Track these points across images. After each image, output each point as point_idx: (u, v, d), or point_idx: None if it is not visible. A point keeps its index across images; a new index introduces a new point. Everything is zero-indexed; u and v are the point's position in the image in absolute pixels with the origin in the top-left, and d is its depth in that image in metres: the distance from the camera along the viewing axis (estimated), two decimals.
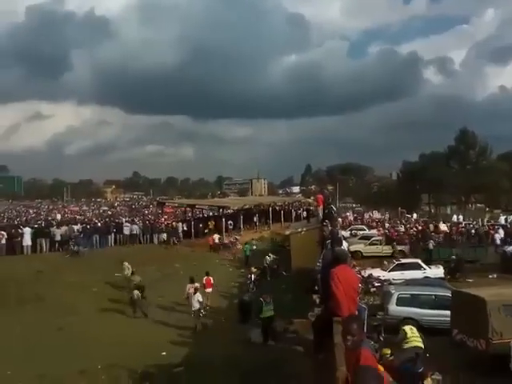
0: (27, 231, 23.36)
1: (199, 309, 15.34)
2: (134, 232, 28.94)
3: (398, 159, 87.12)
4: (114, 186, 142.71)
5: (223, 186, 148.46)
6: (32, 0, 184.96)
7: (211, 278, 18.08)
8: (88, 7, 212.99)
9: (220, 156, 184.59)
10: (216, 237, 29.68)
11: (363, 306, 7.29)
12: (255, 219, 38.14)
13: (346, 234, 28.91)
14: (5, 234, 22.32)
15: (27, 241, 22.56)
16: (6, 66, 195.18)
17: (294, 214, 43.51)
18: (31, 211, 69.13)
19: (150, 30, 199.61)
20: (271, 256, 22.75)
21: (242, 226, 35.67)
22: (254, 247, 28.00)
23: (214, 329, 15.32)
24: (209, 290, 17.59)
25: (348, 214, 50.56)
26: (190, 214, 39.50)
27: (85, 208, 77.35)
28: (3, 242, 21.57)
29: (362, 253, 25.69)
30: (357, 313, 6.67)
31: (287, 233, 29.59)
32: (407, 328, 9.47)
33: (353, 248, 24.69)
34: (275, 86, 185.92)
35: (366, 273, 19.07)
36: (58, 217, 55.02)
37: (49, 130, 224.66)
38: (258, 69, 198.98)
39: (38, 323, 14.52)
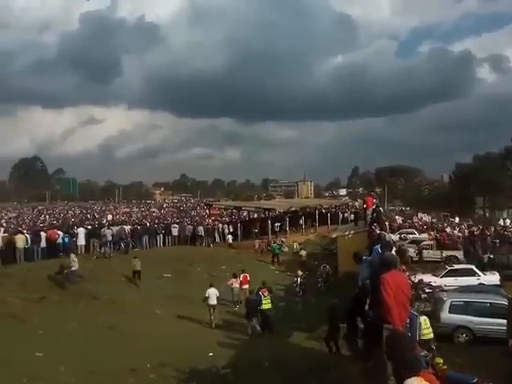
0: (81, 231, 24.29)
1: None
2: (186, 233, 29.62)
3: (449, 161, 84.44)
4: (162, 188, 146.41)
5: (269, 188, 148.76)
6: (85, 7, 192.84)
7: (247, 275, 18.76)
8: (139, 14, 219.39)
9: (266, 158, 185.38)
10: (256, 242, 29.72)
11: (415, 313, 7.03)
12: (301, 222, 37.92)
13: (394, 237, 28.19)
14: (61, 233, 23.28)
15: (81, 240, 23.45)
16: (62, 73, 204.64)
17: (340, 217, 43.00)
18: (85, 212, 71.88)
19: (199, 33, 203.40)
20: (325, 266, 21.89)
21: (288, 229, 35.56)
22: (301, 250, 27.77)
23: (263, 333, 15.26)
24: (245, 286, 18.22)
25: (397, 217, 49.27)
26: (236, 216, 39.86)
27: (135, 209, 79.58)
28: (60, 241, 22.49)
29: (411, 257, 24.95)
30: (408, 320, 6.50)
31: (334, 236, 29.23)
32: (422, 319, 8.70)
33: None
34: (321, 88, 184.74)
35: (417, 278, 18.48)
36: (110, 217, 57.01)
37: (101, 134, 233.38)
38: (304, 70, 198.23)
39: (90, 320, 15.03)
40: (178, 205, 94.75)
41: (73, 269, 18.20)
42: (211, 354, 12.83)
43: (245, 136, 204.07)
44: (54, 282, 17.75)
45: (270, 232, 32.52)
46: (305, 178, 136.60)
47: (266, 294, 15.15)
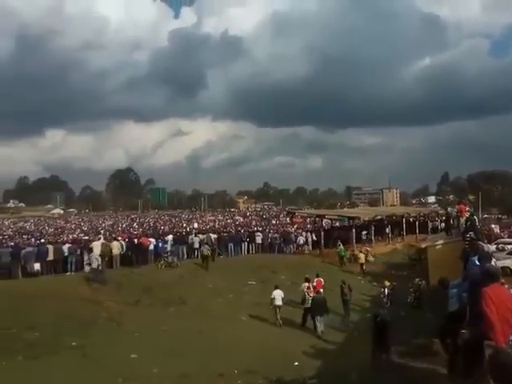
0: (170, 238, 25.44)
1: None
2: (269, 241, 29.90)
3: None
4: (246, 197, 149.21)
5: (352, 195, 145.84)
6: (174, 25, 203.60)
7: (322, 280, 19.22)
8: (223, 28, 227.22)
9: (349, 165, 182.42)
10: (341, 248, 29.17)
11: None
12: (387, 230, 36.63)
13: (491, 248, 26.28)
14: (153, 240, 24.54)
15: (169, 248, 24.55)
16: (152, 89, 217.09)
17: (430, 226, 40.94)
18: (173, 220, 75.21)
19: (281, 43, 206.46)
20: (420, 281, 20.44)
21: (373, 238, 34.54)
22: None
23: (346, 344, 14.95)
24: (321, 290, 18.09)
25: (493, 226, 45.87)
26: (319, 224, 39.46)
27: (220, 217, 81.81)
28: (151, 247, 23.71)
29: (511, 269, 23.07)
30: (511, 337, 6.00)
31: (423, 245, 27.89)
32: None
33: (500, 264, 22.29)
34: (407, 92, 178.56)
35: None
36: (196, 225, 59.10)
37: (188, 146, 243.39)
38: (388, 74, 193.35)
39: (179, 325, 15.64)
40: (261, 213, 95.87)
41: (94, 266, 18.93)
42: (297, 363, 12.75)
43: (327, 143, 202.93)
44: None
45: (354, 241, 31.78)
46: (390, 185, 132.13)
47: (311, 294, 16.84)
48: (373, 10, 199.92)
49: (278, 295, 16.89)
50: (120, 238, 25.53)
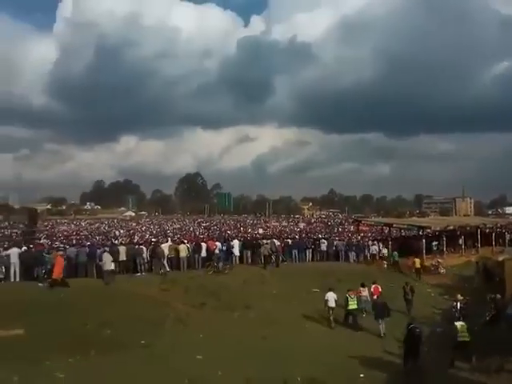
0: (236, 243, 25.75)
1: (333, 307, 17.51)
2: (334, 248, 29.48)
3: None
4: (310, 203, 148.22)
5: (422, 204, 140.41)
6: (243, 33, 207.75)
7: (379, 287, 19.81)
8: (291, 35, 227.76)
9: (419, 173, 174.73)
10: (417, 261, 27.97)
11: None
12: (460, 242, 34.78)
13: None
14: (219, 244, 24.96)
15: (236, 252, 24.86)
16: (221, 96, 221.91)
17: (508, 238, 38.43)
18: (238, 225, 76.23)
19: (349, 49, 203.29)
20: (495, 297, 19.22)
21: (444, 249, 32.94)
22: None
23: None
24: (375, 296, 19.38)
25: None
26: (386, 233, 38.31)
27: (284, 224, 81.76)
28: (217, 251, 24.10)
29: None
30: None
31: (501, 259, 26.24)
32: (458, 324, 13.78)
33: None
34: (482, 97, 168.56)
35: None
36: (261, 231, 59.45)
37: (254, 151, 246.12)
38: (463, 78, 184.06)
39: (244, 329, 15.76)
40: (326, 220, 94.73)
41: (106, 268, 19.19)
42: (362, 375, 12.42)
43: (396, 150, 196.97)
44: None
45: (424, 251, 30.48)
46: (464, 194, 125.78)
47: (352, 296, 17.64)
48: (445, 11, 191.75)
49: (331, 297, 17.59)
50: (186, 241, 26.21)
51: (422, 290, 23.64)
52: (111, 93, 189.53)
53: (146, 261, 21.62)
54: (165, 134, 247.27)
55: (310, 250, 28.87)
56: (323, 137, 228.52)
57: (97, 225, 76.69)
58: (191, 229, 67.19)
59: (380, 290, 19.81)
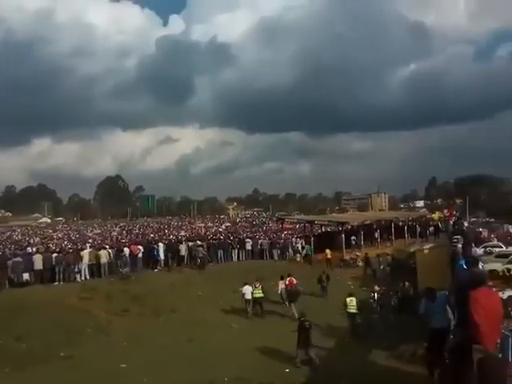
0: (160, 246, 25.29)
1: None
2: (259, 247, 29.91)
3: None
4: (235, 203, 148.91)
5: (341, 201, 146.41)
6: (162, 32, 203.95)
7: (294, 279, 20.02)
8: (211, 35, 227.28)
9: (338, 171, 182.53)
10: (328, 252, 29.36)
11: (507, 333, 6.51)
12: (376, 235, 36.80)
13: (479, 251, 26.49)
14: (142, 248, 24.36)
15: (161, 255, 24.41)
16: (141, 95, 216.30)
17: (418, 230, 41.21)
18: (162, 227, 74.79)
19: (269, 50, 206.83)
20: (404, 283, 20.98)
21: (362, 243, 34.66)
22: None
23: (340, 350, 14.93)
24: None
25: (481, 229, 46.30)
26: (308, 230, 39.54)
27: (210, 224, 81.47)
28: (140, 255, 23.54)
29: (499, 272, 23.26)
30: (499, 341, 6.03)
31: (412, 250, 28.05)
32: (348, 299, 16.70)
33: (488, 267, 22.48)
34: (394, 97, 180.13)
35: (506, 295, 17.15)
36: (182, 233, 58.85)
37: (177, 152, 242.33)
38: (376, 80, 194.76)
39: (170, 333, 15.52)
40: (251, 219, 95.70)
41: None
42: (287, 369, 12.70)
43: (316, 149, 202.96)
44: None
45: (343, 246, 31.87)
46: (379, 190, 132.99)
47: (257, 285, 18.72)
48: (360, 18, 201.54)
49: (247, 290, 18.56)
50: (108, 247, 25.33)
51: (342, 282, 24.57)
52: (22, 92, 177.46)
53: (63, 269, 20.56)
54: (82, 136, 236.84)
55: (236, 250, 29.09)
56: (246, 137, 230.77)
57: (8, 233, 71.47)
58: (113, 233, 64.92)
59: (295, 282, 20.32)
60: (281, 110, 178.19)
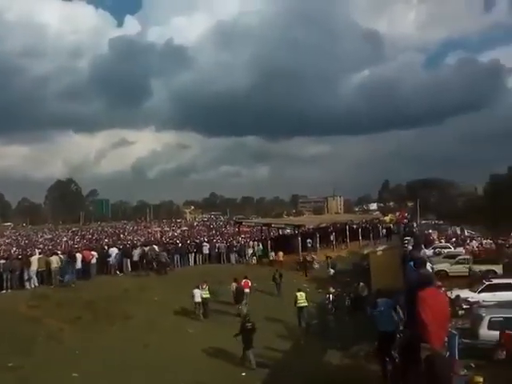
0: (114, 251, 24.69)
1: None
2: (216, 251, 29.84)
3: (483, 172, 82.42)
4: (192, 207, 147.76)
5: (298, 204, 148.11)
6: (116, 33, 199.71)
7: (249, 281, 21.41)
8: (167, 37, 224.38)
9: (294, 174, 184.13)
10: (280, 254, 29.84)
11: (454, 331, 6.81)
12: (332, 238, 37.46)
13: (429, 252, 27.52)
14: (95, 254, 23.70)
15: (114, 261, 23.82)
16: (94, 97, 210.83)
17: (372, 232, 42.29)
18: (117, 232, 73.21)
19: (225, 54, 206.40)
20: (358, 284, 21.68)
21: (318, 245, 35.19)
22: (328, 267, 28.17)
23: (296, 351, 15.11)
24: (246, 290, 20.86)
25: (430, 231, 48.11)
26: (266, 233, 39.74)
27: (166, 228, 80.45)
28: (93, 261, 22.89)
29: (447, 272, 24.27)
30: (446, 339, 6.29)
31: (365, 252, 28.76)
32: (298, 294, 18.82)
33: (437, 267, 23.41)
34: (348, 102, 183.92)
35: (453, 294, 17.92)
36: (139, 238, 57.85)
37: (133, 155, 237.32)
38: (330, 86, 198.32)
39: (124, 340, 15.20)
40: (208, 223, 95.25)
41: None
42: (244, 373, 12.73)
43: (273, 153, 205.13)
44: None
45: (300, 249, 32.24)
46: (334, 194, 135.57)
47: (204, 286, 19.44)
48: (315, 24, 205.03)
49: (197, 293, 19.07)
50: (59, 252, 24.49)
51: (298, 284, 24.81)
52: None
53: (11, 276, 19.67)
54: (32, 137, 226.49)
55: (193, 254, 28.85)
56: (203, 140, 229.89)
57: None
58: (64, 239, 62.90)
59: (250, 283, 21.48)
60: (238, 113, 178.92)
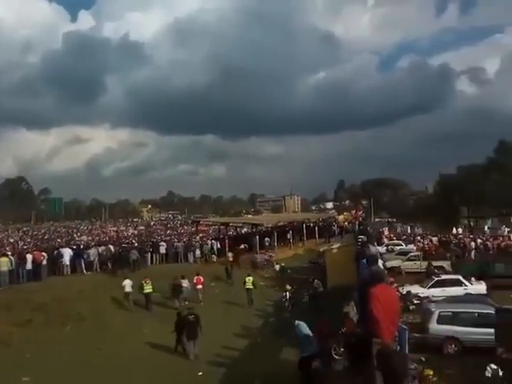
0: (66, 252, 23.96)
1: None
2: (174, 250, 29.52)
3: (433, 172, 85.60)
4: (149, 206, 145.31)
5: (256, 203, 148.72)
6: (70, 28, 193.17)
7: (201, 278, 22.30)
8: (123, 32, 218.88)
9: (252, 173, 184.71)
10: (229, 255, 29.73)
11: (404, 326, 7.06)
12: (289, 236, 37.87)
13: (382, 249, 28.32)
14: (46, 255, 22.92)
15: (66, 261, 23.13)
16: (46, 93, 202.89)
17: (328, 231, 43.06)
18: (70, 232, 71.09)
19: (182, 51, 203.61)
20: (313, 279, 22.19)
21: (276, 244, 35.48)
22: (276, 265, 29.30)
23: (253, 350, 15.19)
24: (199, 286, 21.82)
25: (384, 229, 49.60)
26: (223, 232, 39.72)
27: (122, 228, 78.87)
28: (44, 262, 22.14)
29: (399, 269, 25.06)
30: (397, 334, 6.51)
31: (321, 250, 29.25)
32: (247, 278, 21.89)
33: (390, 264, 24.16)
34: (304, 103, 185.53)
35: (404, 290, 18.57)
36: (85, 238, 56.46)
37: (87, 153, 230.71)
38: (286, 86, 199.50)
39: (77, 342, 14.84)
40: (166, 222, 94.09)
41: None
42: (200, 373, 12.70)
43: (230, 152, 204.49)
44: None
45: (258, 247, 32.42)
46: (291, 193, 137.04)
47: (147, 281, 19.99)
48: (272, 24, 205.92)
49: (127, 284, 19.78)
50: (10, 253, 23.55)
51: (254, 282, 25.00)
52: None
53: None
54: None
55: (149, 254, 28.45)
56: (159, 138, 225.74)
57: None
58: (14, 239, 60.41)
59: (202, 279, 22.28)
60: (194, 111, 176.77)
